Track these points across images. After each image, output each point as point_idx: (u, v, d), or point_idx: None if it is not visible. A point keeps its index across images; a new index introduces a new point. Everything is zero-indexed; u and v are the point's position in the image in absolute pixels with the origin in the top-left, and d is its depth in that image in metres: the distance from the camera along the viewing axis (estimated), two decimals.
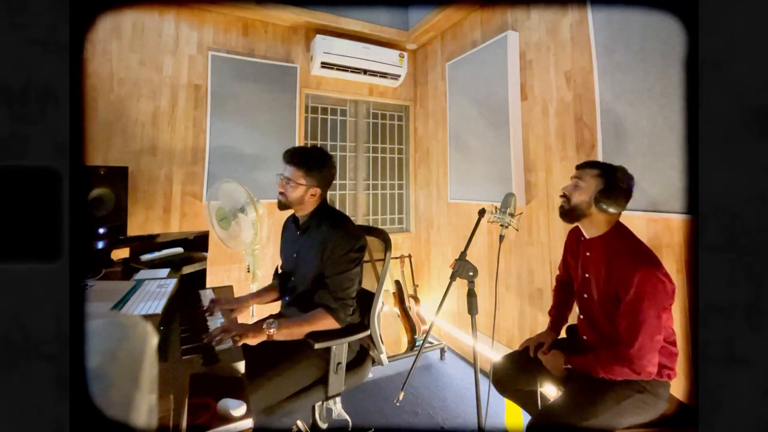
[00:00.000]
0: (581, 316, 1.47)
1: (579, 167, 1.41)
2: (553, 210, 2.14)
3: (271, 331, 1.34)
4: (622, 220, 1.39)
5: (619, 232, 1.35)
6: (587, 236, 1.41)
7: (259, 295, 1.77)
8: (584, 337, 1.45)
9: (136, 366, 0.41)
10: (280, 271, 1.76)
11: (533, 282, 2.27)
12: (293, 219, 1.71)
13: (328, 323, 1.43)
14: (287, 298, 1.64)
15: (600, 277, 1.35)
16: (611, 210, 1.31)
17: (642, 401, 1.24)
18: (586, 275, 1.42)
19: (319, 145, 3.11)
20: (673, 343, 1.30)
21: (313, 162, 1.52)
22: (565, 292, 1.66)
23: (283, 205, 1.56)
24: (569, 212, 1.37)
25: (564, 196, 1.39)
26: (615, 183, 1.30)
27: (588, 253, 1.41)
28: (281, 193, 1.53)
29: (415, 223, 3.54)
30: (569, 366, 1.35)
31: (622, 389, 1.24)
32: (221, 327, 1.29)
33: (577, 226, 1.49)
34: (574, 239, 1.52)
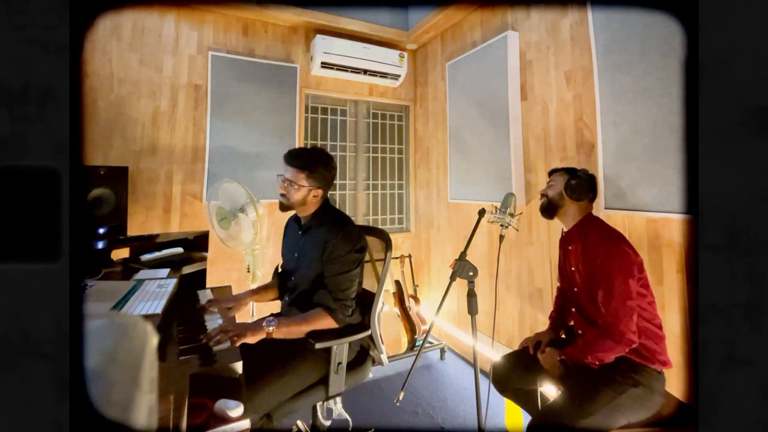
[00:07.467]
0: (573, 310, 1.53)
1: (549, 174, 1.62)
2: None
3: (270, 329, 1.32)
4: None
5: (589, 220, 1.52)
6: (566, 229, 1.57)
7: (258, 292, 1.73)
8: (579, 332, 1.50)
9: (136, 366, 0.41)
10: (280, 270, 1.75)
11: (533, 282, 2.27)
12: (295, 218, 1.69)
13: (327, 323, 1.43)
14: (287, 298, 1.63)
15: (579, 262, 1.47)
16: (579, 196, 1.48)
17: (638, 395, 1.27)
18: (572, 268, 1.52)
19: (319, 146, 3.15)
20: (659, 327, 1.36)
21: (314, 164, 1.50)
22: (564, 299, 1.69)
23: (285, 207, 1.54)
24: (548, 205, 1.56)
25: (543, 195, 1.59)
26: (577, 176, 1.51)
27: (570, 247, 1.54)
28: (283, 195, 1.51)
29: (415, 223, 3.54)
30: (563, 357, 1.39)
31: (617, 384, 1.28)
32: (220, 327, 1.26)
33: (564, 233, 1.60)
34: (561, 244, 1.63)
